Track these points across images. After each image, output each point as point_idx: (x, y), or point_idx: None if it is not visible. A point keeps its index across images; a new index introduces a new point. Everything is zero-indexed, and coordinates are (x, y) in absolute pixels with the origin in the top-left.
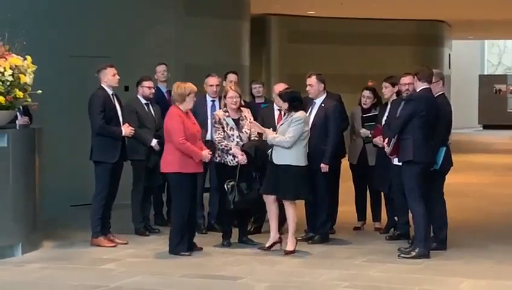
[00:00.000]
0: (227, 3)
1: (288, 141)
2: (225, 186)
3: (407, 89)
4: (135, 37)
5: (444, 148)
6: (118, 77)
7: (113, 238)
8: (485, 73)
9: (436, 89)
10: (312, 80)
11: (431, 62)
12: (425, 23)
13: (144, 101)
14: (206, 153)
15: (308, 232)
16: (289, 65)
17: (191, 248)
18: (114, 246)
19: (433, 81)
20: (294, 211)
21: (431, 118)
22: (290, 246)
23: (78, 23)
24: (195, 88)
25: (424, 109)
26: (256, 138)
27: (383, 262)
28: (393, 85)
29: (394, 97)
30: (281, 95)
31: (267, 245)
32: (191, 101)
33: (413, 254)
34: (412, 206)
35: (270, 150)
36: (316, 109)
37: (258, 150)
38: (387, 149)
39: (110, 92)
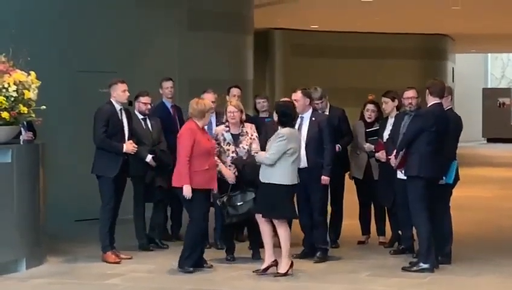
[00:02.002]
0: (230, 17)
1: (268, 157)
2: (217, 201)
3: (410, 103)
4: (139, 51)
5: (456, 163)
6: (128, 94)
7: (118, 253)
8: (489, 86)
9: (446, 103)
10: (297, 95)
11: (434, 76)
12: (429, 37)
13: (140, 116)
14: (228, 174)
15: (304, 249)
16: (293, 79)
17: (200, 264)
18: (118, 263)
19: (444, 95)
20: (287, 231)
21: (440, 134)
22: (282, 268)
23: (83, 38)
24: (212, 104)
25: (433, 125)
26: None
27: (387, 276)
28: (392, 99)
29: (395, 111)
30: (276, 104)
31: (262, 268)
32: (208, 117)
33: (417, 268)
34: (416, 220)
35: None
36: (307, 124)
37: (245, 166)
38: (394, 163)
39: (118, 107)
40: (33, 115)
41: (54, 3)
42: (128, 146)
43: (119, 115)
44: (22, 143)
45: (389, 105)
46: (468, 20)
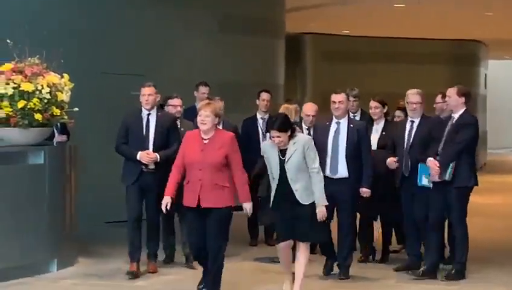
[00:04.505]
0: (262, 21)
1: (320, 169)
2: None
3: (415, 108)
4: (169, 54)
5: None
6: (147, 99)
7: (137, 266)
8: None
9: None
10: (342, 97)
11: (467, 82)
12: (461, 43)
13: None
14: None
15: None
16: (323, 83)
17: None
18: (135, 275)
19: None
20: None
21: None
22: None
23: (113, 41)
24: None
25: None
26: None
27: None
28: (383, 105)
29: (383, 118)
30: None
31: None
32: (200, 124)
33: (454, 273)
34: (459, 228)
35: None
36: (346, 131)
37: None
38: (436, 173)
39: (145, 112)
40: (65, 117)
41: (84, 8)
42: (143, 156)
43: (144, 120)
44: (54, 145)
45: (379, 111)
46: (501, 26)
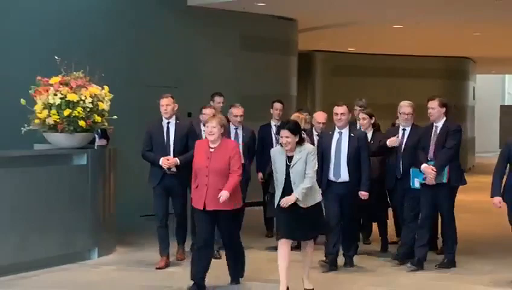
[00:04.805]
0: (278, 40)
1: (312, 177)
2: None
3: (406, 119)
4: (198, 69)
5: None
6: (166, 108)
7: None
8: (506, 104)
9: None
10: (343, 109)
11: (457, 94)
12: (452, 60)
13: (203, 128)
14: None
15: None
16: (331, 95)
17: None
18: (161, 268)
19: None
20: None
21: None
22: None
23: (150, 57)
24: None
25: None
26: None
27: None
28: (370, 117)
29: (371, 128)
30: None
31: None
32: (208, 133)
33: (446, 262)
34: (452, 223)
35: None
36: (347, 140)
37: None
38: (440, 178)
39: (165, 121)
40: (106, 124)
41: (125, 28)
42: (163, 161)
43: (165, 128)
44: (95, 148)
45: (367, 122)
46: (487, 45)
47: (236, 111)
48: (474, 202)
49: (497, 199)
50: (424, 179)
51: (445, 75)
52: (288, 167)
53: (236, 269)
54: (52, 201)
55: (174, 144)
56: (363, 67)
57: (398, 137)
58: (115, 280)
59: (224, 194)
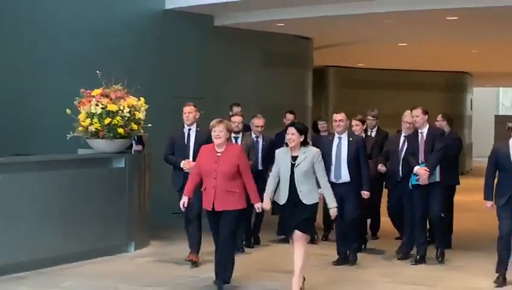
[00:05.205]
0: (295, 57)
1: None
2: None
3: (408, 127)
4: (224, 82)
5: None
6: (187, 116)
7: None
8: (500, 114)
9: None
10: (341, 116)
11: (457, 105)
12: (452, 74)
13: (233, 135)
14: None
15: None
16: (343, 106)
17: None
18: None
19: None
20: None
21: None
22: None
23: (180, 71)
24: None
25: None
26: None
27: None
28: (362, 123)
29: (363, 133)
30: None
31: None
32: (216, 138)
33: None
34: (441, 221)
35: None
36: (346, 144)
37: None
38: (425, 175)
39: (186, 127)
40: (141, 131)
41: (159, 46)
42: (185, 163)
43: (186, 134)
44: (132, 153)
45: (359, 128)
46: (483, 61)
47: (258, 122)
48: (472, 202)
49: (489, 203)
50: (417, 180)
51: (446, 88)
52: (293, 165)
53: (226, 270)
54: (94, 200)
55: (194, 149)
56: (371, 81)
57: (383, 167)
58: (150, 270)
59: (258, 206)
